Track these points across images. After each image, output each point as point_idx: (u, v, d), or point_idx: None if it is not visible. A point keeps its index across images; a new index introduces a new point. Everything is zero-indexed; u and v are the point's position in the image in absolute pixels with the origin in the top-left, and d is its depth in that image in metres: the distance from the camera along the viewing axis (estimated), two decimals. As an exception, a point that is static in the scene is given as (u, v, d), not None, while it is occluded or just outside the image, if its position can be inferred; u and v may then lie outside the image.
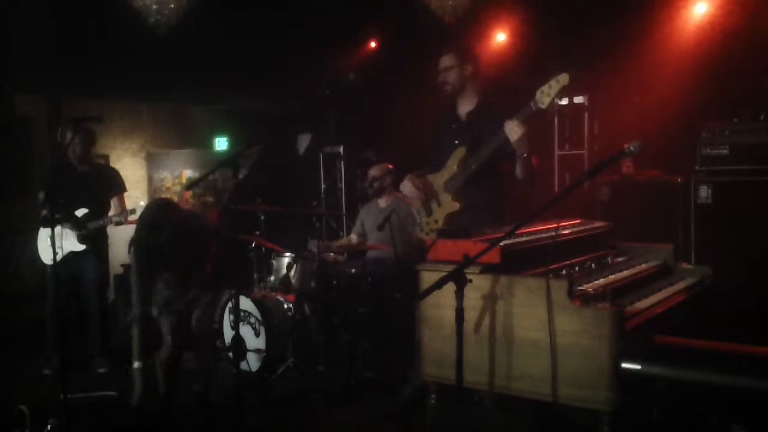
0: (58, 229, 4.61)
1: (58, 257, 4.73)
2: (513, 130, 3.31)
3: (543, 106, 3.22)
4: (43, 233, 4.85)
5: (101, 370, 4.89)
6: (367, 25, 6.85)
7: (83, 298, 4.97)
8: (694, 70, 5.70)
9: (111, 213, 4.82)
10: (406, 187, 3.76)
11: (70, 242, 4.76)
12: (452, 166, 3.63)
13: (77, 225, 4.74)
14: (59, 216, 4.61)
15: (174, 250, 3.82)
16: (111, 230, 4.96)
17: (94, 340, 4.99)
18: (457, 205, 3.61)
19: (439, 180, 3.70)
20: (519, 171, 3.48)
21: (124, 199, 4.99)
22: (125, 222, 4.69)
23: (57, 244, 4.71)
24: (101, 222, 4.75)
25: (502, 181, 3.71)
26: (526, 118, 3.29)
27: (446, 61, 3.69)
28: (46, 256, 4.84)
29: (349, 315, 4.76)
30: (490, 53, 6.99)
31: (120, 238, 5.95)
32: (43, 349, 4.90)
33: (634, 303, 2.97)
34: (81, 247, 4.79)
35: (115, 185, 4.99)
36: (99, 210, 4.82)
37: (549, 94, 3.18)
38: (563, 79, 3.16)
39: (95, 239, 4.85)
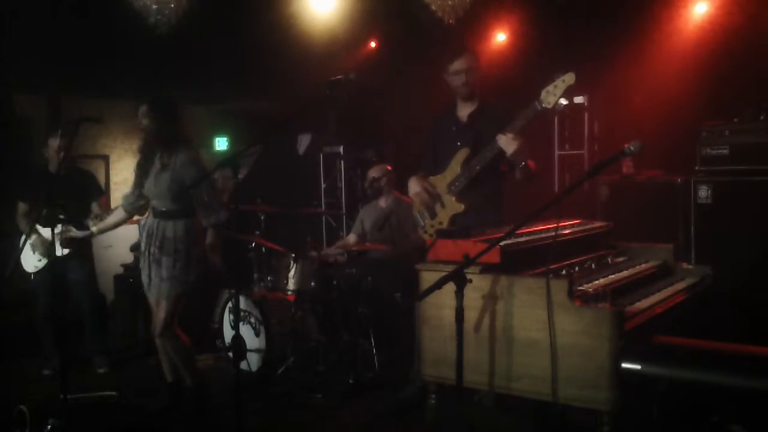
0: (46, 233, 4.58)
1: (41, 264, 4.73)
2: (508, 144, 3.30)
3: (548, 106, 3.19)
4: (24, 241, 4.77)
5: (101, 371, 4.88)
6: (367, 25, 6.84)
7: (74, 299, 4.92)
8: (695, 70, 5.71)
9: (92, 218, 4.59)
10: (414, 187, 3.75)
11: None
12: (455, 167, 3.63)
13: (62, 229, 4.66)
14: (63, 218, 4.55)
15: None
16: (110, 232, 4.93)
17: (92, 340, 4.97)
18: (461, 207, 3.60)
19: (441, 182, 3.69)
20: (518, 175, 3.48)
21: (106, 202, 4.90)
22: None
23: (39, 252, 4.72)
24: (84, 229, 4.56)
25: (502, 181, 3.72)
26: (527, 123, 3.28)
27: (466, 62, 3.64)
28: (28, 263, 4.78)
29: (349, 315, 4.76)
30: (490, 53, 6.99)
31: (119, 238, 5.94)
32: (42, 350, 4.90)
33: (634, 303, 2.97)
34: (64, 252, 4.66)
35: (95, 189, 4.89)
36: (80, 214, 4.66)
37: (554, 93, 3.15)
38: (569, 78, 3.13)
39: (77, 240, 4.71)
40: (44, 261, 4.71)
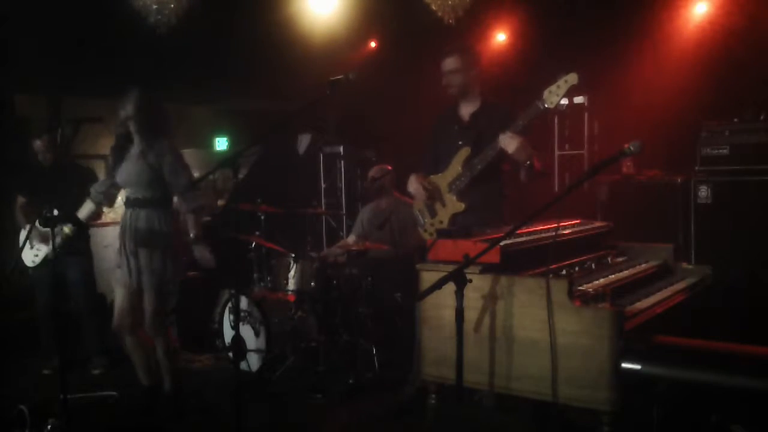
0: (44, 231, 4.57)
1: (38, 259, 4.74)
2: (508, 143, 3.29)
3: (551, 106, 3.18)
4: (23, 236, 4.78)
5: (99, 371, 4.86)
6: (367, 25, 6.84)
7: (72, 297, 4.91)
8: (695, 71, 5.71)
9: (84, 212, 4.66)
10: (413, 186, 3.75)
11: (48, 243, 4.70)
12: (456, 166, 3.63)
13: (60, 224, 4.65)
14: (58, 215, 4.54)
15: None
16: (110, 230, 4.94)
17: (89, 339, 4.95)
18: (462, 206, 3.60)
19: (442, 181, 3.69)
20: (523, 176, 3.48)
21: None
22: (96, 221, 4.57)
23: (36, 246, 4.74)
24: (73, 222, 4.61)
25: (502, 181, 3.72)
26: (529, 123, 3.27)
27: (451, 63, 3.65)
28: (27, 258, 4.79)
29: (349, 315, 4.76)
30: (490, 53, 6.99)
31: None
32: (41, 348, 4.90)
33: (634, 303, 2.96)
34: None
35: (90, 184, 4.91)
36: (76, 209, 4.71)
37: (557, 93, 3.15)
38: (572, 78, 3.13)
39: (73, 237, 4.68)
40: (41, 255, 4.72)
